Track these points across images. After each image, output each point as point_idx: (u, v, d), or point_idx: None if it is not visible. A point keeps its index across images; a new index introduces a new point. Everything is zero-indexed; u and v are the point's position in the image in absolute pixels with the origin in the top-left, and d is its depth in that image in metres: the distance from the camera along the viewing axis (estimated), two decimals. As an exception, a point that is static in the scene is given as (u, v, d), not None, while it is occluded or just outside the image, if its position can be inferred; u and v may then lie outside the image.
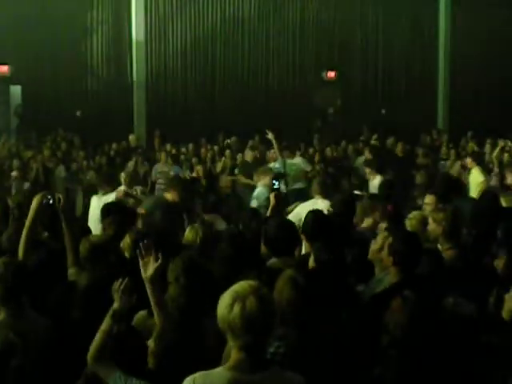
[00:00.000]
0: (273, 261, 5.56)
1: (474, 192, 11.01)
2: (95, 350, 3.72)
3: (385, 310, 3.84)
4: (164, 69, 21.81)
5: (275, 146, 12.37)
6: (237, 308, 3.08)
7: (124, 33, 21.34)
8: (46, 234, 6.58)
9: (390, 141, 18.18)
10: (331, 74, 23.49)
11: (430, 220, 6.11)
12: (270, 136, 12.37)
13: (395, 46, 24.57)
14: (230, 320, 3.09)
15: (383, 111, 24.14)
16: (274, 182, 8.13)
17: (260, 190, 10.02)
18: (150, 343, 3.64)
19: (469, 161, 12.56)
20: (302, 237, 6.15)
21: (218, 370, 3.19)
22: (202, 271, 4.39)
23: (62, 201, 5.67)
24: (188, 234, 6.27)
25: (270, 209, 7.71)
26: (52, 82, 20.53)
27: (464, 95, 24.60)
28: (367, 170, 12.02)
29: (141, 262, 4.17)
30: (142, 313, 4.27)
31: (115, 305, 3.87)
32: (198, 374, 3.15)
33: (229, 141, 18.23)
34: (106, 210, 7.20)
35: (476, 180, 11.59)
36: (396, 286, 4.68)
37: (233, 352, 3.17)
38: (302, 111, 22.96)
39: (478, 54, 24.44)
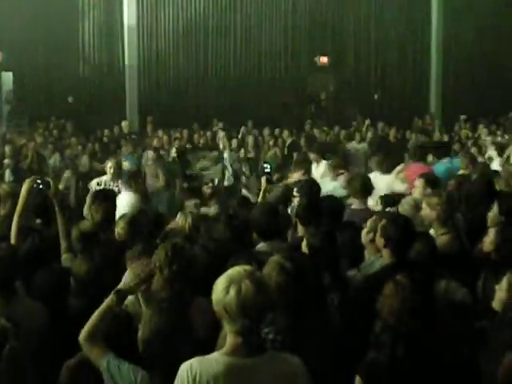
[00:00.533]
0: (261, 245, 5.59)
1: None
2: (91, 328, 3.69)
3: (377, 292, 3.84)
4: (156, 54, 21.71)
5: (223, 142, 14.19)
6: (232, 292, 3.09)
7: (116, 18, 21.22)
8: (38, 221, 6.56)
9: (380, 126, 18.20)
10: (324, 60, 23.43)
11: (424, 205, 6.08)
12: (221, 136, 14.16)
13: (388, 30, 24.48)
14: (226, 304, 3.09)
15: (376, 96, 24.11)
16: (265, 165, 8.11)
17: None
18: (139, 329, 3.64)
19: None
20: (296, 220, 6.18)
21: (215, 355, 3.18)
22: (186, 261, 4.34)
23: (52, 186, 5.66)
24: (178, 220, 6.29)
25: (261, 193, 7.71)
26: (44, 68, 20.44)
27: (457, 80, 24.61)
28: (312, 155, 12.17)
29: (127, 263, 4.12)
30: (131, 298, 4.25)
31: (122, 284, 3.86)
32: (194, 360, 3.14)
33: (216, 128, 18.21)
34: (95, 196, 7.16)
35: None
36: (388, 268, 4.69)
37: (229, 337, 3.17)
38: (294, 96, 22.93)
39: (471, 37, 24.44)
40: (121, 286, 3.86)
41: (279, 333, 3.72)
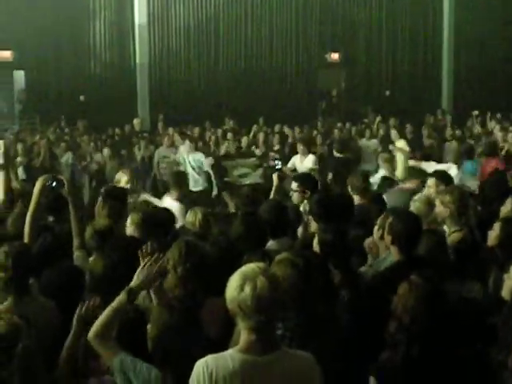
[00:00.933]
0: (271, 243, 5.58)
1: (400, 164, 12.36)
2: (101, 327, 3.66)
3: (386, 290, 3.82)
4: (167, 51, 21.75)
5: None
6: (247, 288, 3.09)
7: (127, 16, 21.27)
8: (51, 218, 6.57)
9: (392, 122, 18.13)
10: (335, 56, 23.42)
11: (438, 202, 6.05)
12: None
13: (399, 26, 24.45)
14: (241, 301, 3.09)
15: (387, 92, 24.05)
16: (276, 162, 8.09)
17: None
18: (149, 327, 3.62)
19: (393, 133, 13.95)
20: (310, 217, 6.18)
21: (230, 352, 3.19)
22: (199, 259, 4.32)
23: (65, 184, 5.68)
24: (188, 217, 6.30)
25: (273, 190, 7.67)
26: (55, 66, 20.51)
27: (469, 75, 24.52)
28: (300, 148, 12.51)
29: (141, 260, 4.11)
30: (142, 293, 4.24)
31: (134, 283, 3.83)
32: (209, 357, 3.15)
33: (227, 127, 18.17)
34: (105, 192, 7.17)
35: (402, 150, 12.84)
36: (397, 266, 4.69)
37: (243, 334, 3.18)
38: (305, 93, 22.91)
39: (483, 32, 24.32)
40: (132, 284, 3.84)
41: (288, 329, 3.73)
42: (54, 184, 5.68)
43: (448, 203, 5.86)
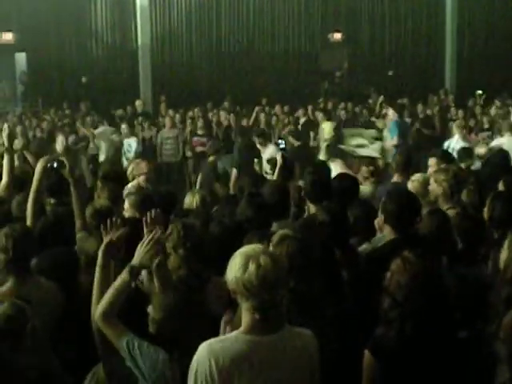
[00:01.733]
0: (273, 225, 5.58)
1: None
2: (107, 305, 3.63)
3: (379, 268, 3.83)
4: (169, 33, 21.68)
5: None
6: (252, 267, 3.06)
7: (128, -3, 21.19)
8: (52, 200, 6.58)
9: (405, 102, 18.07)
10: (337, 36, 23.30)
11: (432, 180, 6.13)
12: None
13: (402, 6, 24.29)
14: (246, 280, 3.06)
15: (390, 73, 23.95)
16: (279, 142, 8.05)
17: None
18: (150, 310, 3.60)
19: (320, 116, 14.60)
20: (306, 199, 6.18)
21: (234, 334, 3.17)
22: (199, 239, 4.34)
23: (67, 165, 5.69)
24: (187, 198, 6.32)
25: (277, 170, 7.64)
26: (57, 48, 20.45)
27: (472, 55, 24.40)
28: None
29: (145, 229, 4.09)
30: (144, 274, 4.25)
31: (135, 260, 3.78)
32: (213, 340, 3.13)
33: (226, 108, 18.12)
34: (104, 175, 7.19)
35: (326, 131, 13.48)
36: (390, 245, 4.72)
37: (246, 315, 3.15)
38: (308, 74, 22.84)
39: (485, 12, 24.19)
40: (133, 262, 3.79)
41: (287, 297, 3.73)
42: (55, 165, 5.69)
43: (442, 181, 5.93)
